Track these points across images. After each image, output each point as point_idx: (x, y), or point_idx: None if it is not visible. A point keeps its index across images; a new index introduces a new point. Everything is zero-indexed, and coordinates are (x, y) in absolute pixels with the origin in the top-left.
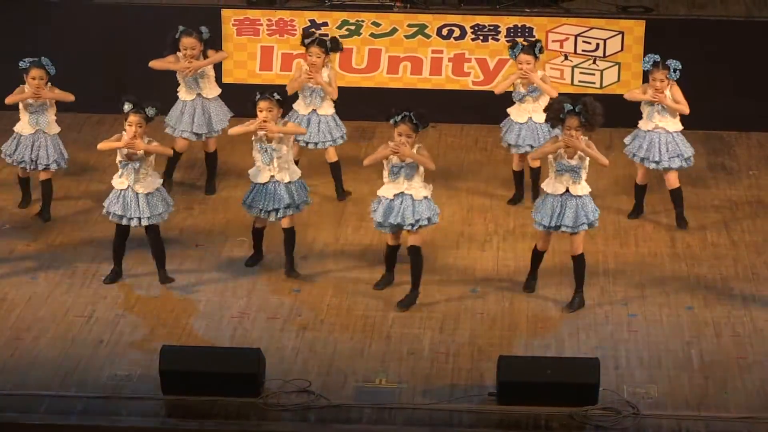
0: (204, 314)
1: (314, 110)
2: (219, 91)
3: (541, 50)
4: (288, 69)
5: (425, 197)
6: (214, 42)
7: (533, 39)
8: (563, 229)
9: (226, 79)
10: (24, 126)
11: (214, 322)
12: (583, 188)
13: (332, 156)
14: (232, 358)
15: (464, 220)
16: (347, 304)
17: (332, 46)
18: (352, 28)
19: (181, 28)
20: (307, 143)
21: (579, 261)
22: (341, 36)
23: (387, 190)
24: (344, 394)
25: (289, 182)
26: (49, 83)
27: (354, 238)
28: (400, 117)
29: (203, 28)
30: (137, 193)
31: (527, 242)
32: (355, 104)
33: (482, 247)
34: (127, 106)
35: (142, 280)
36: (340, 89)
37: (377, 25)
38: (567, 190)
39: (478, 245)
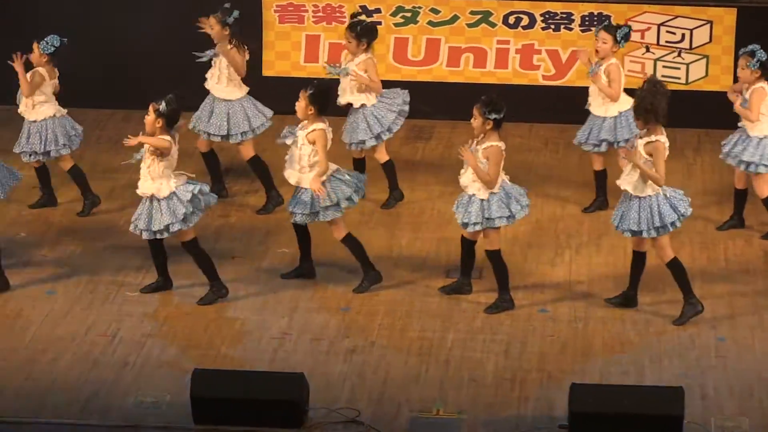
0: (241, 334)
1: (350, 104)
2: (242, 93)
3: (625, 37)
4: (336, 61)
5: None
6: (249, 29)
7: (625, 25)
8: (626, 234)
9: (266, 72)
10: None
11: (253, 344)
12: (638, 188)
13: (383, 155)
14: (272, 384)
15: (532, 231)
16: (401, 324)
17: (362, 31)
18: (408, 15)
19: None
20: (351, 143)
21: (672, 268)
22: (396, 24)
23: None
24: (397, 424)
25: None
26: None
27: (410, 250)
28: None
29: (235, 12)
30: (159, 200)
31: (603, 256)
32: (411, 100)
33: (552, 261)
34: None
35: (172, 295)
36: (394, 84)
37: (436, 12)
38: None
39: (547, 259)
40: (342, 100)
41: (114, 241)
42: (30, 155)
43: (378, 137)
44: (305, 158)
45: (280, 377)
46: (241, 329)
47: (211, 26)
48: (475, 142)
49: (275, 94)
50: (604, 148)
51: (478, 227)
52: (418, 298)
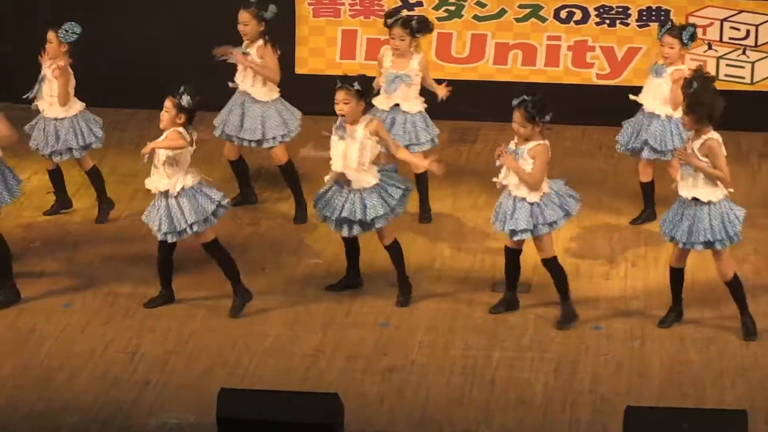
0: (271, 351)
1: (397, 106)
2: (276, 94)
3: (692, 37)
4: (375, 58)
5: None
6: (281, 24)
7: (689, 24)
8: (698, 247)
9: (299, 70)
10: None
11: (283, 361)
12: (706, 194)
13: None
14: (304, 405)
15: (585, 242)
16: (443, 341)
17: (419, 26)
18: (452, 8)
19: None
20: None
21: (731, 286)
22: (439, 18)
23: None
24: None
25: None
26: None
27: (453, 262)
28: (518, 101)
29: (272, 7)
30: (177, 198)
31: (661, 269)
32: (455, 100)
33: (607, 274)
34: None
35: (197, 308)
36: (437, 82)
37: (482, 5)
38: (693, 197)
39: (601, 273)
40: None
41: (135, 250)
42: (61, 154)
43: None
44: (366, 154)
45: (312, 398)
46: (271, 346)
47: (245, 22)
48: (514, 143)
49: (309, 93)
50: (647, 154)
51: (527, 235)
52: (462, 314)
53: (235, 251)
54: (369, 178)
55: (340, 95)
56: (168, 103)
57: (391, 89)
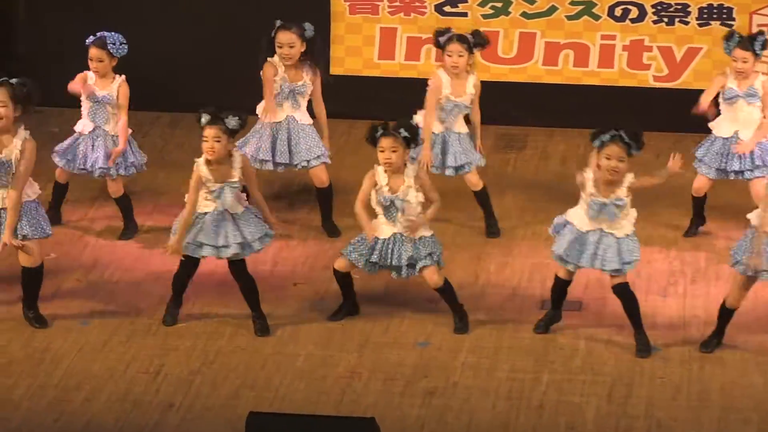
0: (303, 372)
1: (448, 128)
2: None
3: (764, 46)
4: (415, 58)
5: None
6: (315, 21)
7: (758, 33)
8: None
9: (335, 70)
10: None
11: (316, 383)
12: None
13: (477, 182)
14: (339, 430)
15: (641, 257)
16: (487, 362)
17: (476, 40)
18: (499, 5)
19: (278, 22)
20: (446, 167)
21: None
22: (484, 15)
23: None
24: None
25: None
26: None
27: (498, 277)
28: (609, 136)
29: (307, 25)
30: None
31: (721, 287)
32: (502, 104)
33: (664, 291)
34: (204, 118)
35: (224, 326)
36: (482, 84)
37: (531, 2)
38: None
39: (658, 289)
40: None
41: (156, 267)
42: (132, 168)
43: None
44: (415, 207)
45: (348, 422)
46: (302, 366)
47: (291, 44)
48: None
49: (344, 95)
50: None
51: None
52: (508, 333)
53: (266, 265)
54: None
55: (387, 142)
56: (213, 132)
57: (451, 118)
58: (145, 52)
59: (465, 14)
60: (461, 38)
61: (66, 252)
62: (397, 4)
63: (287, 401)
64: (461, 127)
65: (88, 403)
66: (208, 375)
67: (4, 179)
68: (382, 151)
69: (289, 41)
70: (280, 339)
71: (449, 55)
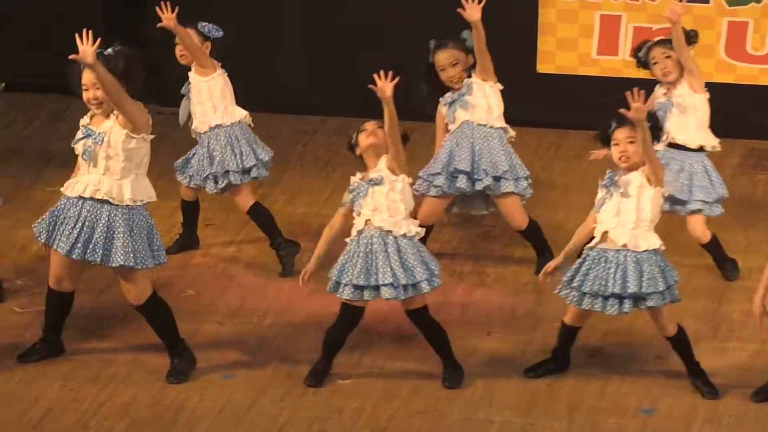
0: None
1: None
2: None
3: None
4: None
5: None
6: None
7: None
8: None
9: (542, 68)
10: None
11: None
12: None
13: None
14: None
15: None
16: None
17: (686, 39)
18: None
19: (432, 43)
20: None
21: None
22: (729, 3)
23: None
24: None
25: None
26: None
27: (742, 331)
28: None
29: (465, 33)
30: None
31: None
32: (750, 113)
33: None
34: None
35: (400, 383)
36: (726, 87)
37: None
38: None
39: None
40: None
41: (318, 304)
42: (217, 180)
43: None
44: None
45: None
46: None
47: (455, 62)
48: None
49: (554, 98)
50: None
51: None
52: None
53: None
54: (651, 240)
55: (623, 133)
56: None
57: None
58: None
59: (707, 1)
60: (660, 41)
61: (206, 288)
62: None
63: None
64: None
65: None
66: None
67: (96, 162)
68: (616, 144)
69: (452, 60)
70: (468, 401)
71: (655, 62)
